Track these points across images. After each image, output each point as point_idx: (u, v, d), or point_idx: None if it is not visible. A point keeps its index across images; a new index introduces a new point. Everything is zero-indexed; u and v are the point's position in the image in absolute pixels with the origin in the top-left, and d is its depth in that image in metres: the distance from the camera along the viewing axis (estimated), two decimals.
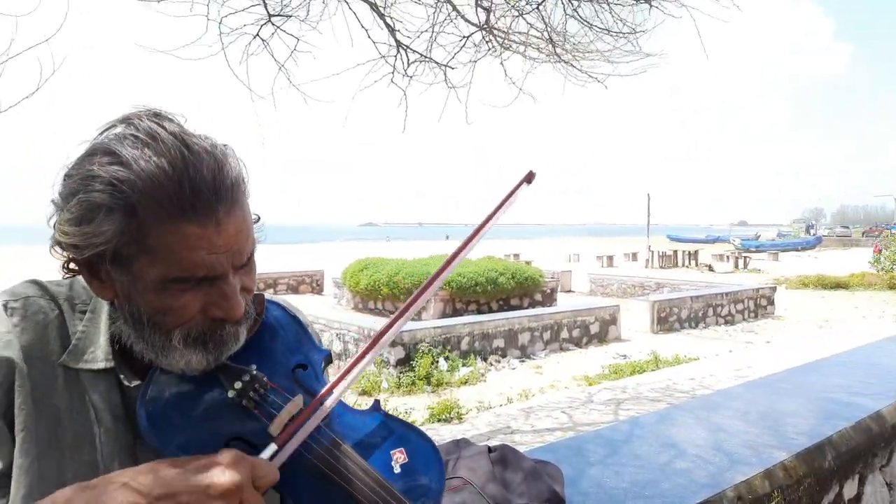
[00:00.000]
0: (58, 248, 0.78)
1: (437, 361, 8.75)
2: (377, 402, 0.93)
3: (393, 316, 0.89)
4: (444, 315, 12.59)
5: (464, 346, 9.46)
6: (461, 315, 12.30)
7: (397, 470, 0.87)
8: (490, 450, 2.01)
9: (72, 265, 0.80)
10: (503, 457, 1.92)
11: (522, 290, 14.05)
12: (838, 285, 18.95)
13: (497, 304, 13.75)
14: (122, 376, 0.84)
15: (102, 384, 0.84)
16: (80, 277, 0.87)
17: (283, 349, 0.90)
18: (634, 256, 30.99)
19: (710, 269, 25.40)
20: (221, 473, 0.68)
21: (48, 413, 0.80)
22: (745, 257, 26.93)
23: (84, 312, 0.87)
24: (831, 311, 14.67)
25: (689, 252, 27.62)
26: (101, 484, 0.66)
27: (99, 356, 0.84)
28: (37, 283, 0.87)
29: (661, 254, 27.24)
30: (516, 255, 21.31)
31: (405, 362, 8.65)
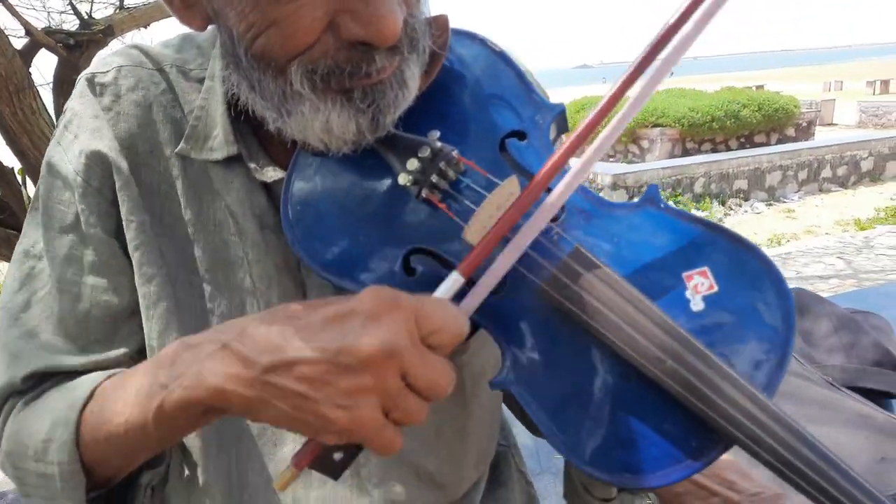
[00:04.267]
0: None
1: None
2: (654, 187, 0.54)
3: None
4: (671, 156, 11.49)
5: (697, 188, 8.58)
6: (691, 156, 11.08)
7: (697, 306, 0.49)
8: None
9: None
10: (799, 302, 1.46)
11: (770, 124, 12.13)
12: None
13: (737, 141, 12.10)
14: (251, 166, 0.58)
15: (238, 181, 0.58)
16: (194, 33, 0.61)
17: (484, 107, 0.56)
18: None
19: None
20: (359, 330, 0.41)
21: (172, 227, 0.59)
22: None
23: (202, 81, 0.60)
24: None
25: None
26: (204, 343, 0.46)
27: (220, 139, 0.58)
28: (136, 47, 0.63)
29: None
30: (759, 87, 18.29)
31: None
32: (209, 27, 0.54)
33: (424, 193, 0.52)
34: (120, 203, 0.58)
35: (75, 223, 0.59)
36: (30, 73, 2.43)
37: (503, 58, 0.58)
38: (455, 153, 0.52)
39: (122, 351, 0.60)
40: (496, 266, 0.48)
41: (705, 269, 0.50)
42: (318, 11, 0.46)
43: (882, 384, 1.18)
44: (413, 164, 0.52)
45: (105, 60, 0.63)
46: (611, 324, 0.47)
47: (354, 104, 0.49)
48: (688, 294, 0.49)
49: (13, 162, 2.94)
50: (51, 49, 2.52)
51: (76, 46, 2.56)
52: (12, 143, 2.60)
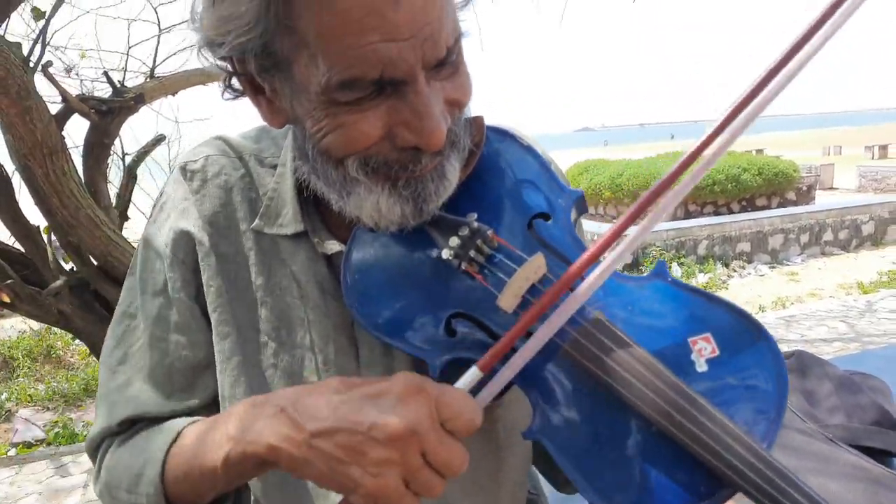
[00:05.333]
0: (204, 53, 0.59)
1: (670, 267, 8.14)
2: (662, 263, 0.62)
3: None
4: (675, 218, 11.64)
5: (701, 250, 8.66)
6: (694, 218, 11.21)
7: (702, 367, 0.56)
8: None
9: (233, 81, 0.61)
10: (801, 364, 1.51)
11: (771, 187, 12.34)
12: None
13: (739, 204, 12.28)
14: (315, 240, 0.67)
15: (303, 252, 0.67)
16: (271, 129, 0.71)
17: (515, 193, 0.65)
18: None
19: None
20: (390, 409, 0.49)
21: (244, 292, 0.67)
22: None
23: (275, 167, 0.70)
24: None
25: None
26: (266, 404, 0.55)
27: (289, 217, 0.67)
28: (220, 139, 0.73)
29: None
30: (759, 151, 18.69)
31: (632, 268, 8.17)
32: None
33: (464, 266, 0.59)
34: (202, 271, 0.67)
35: (164, 288, 0.69)
36: (63, 137, 2.55)
37: (530, 151, 0.67)
38: (490, 232, 0.60)
39: (197, 401, 0.70)
40: (536, 338, 0.53)
41: (708, 335, 0.57)
42: (378, 122, 0.54)
43: (882, 443, 1.22)
44: (454, 241, 0.60)
45: (195, 150, 0.73)
46: (625, 382, 0.54)
47: (398, 191, 0.57)
48: (693, 357, 0.56)
49: (39, 220, 3.04)
50: (84, 115, 2.65)
51: (108, 112, 2.69)
52: (41, 203, 2.70)
